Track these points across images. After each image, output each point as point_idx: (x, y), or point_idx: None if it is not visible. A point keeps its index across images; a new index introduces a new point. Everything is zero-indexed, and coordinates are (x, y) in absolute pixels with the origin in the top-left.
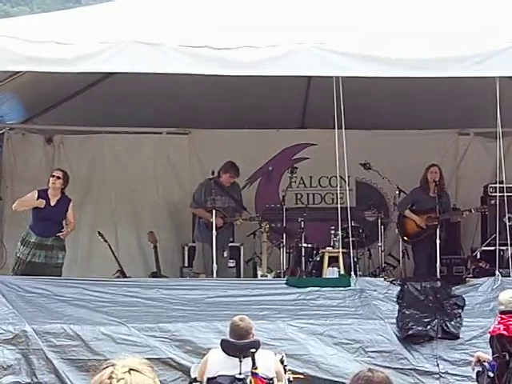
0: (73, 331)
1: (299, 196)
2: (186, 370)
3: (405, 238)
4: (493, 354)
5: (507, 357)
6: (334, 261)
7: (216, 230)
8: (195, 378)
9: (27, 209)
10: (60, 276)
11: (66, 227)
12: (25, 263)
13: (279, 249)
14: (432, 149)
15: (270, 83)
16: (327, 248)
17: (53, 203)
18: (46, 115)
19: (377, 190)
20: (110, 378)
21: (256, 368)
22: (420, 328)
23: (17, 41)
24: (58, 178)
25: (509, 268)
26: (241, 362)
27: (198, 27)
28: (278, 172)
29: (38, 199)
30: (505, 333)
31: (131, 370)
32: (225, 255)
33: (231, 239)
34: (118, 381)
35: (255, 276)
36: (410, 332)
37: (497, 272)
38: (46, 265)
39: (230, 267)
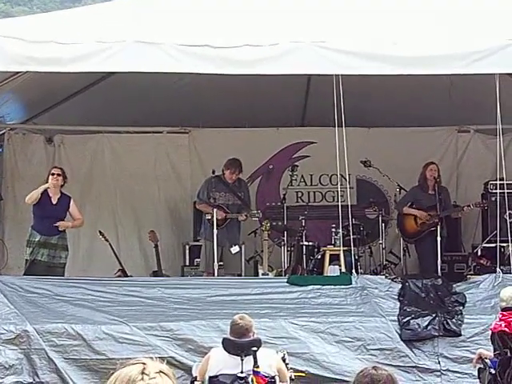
0: (74, 331)
1: (300, 194)
2: (187, 369)
3: (405, 237)
4: (494, 351)
5: (509, 353)
6: (335, 259)
7: (219, 225)
8: (196, 377)
9: (34, 202)
10: (62, 276)
11: (73, 222)
12: (29, 262)
13: (280, 247)
14: (432, 146)
15: (270, 82)
16: (328, 246)
17: (54, 201)
18: (47, 115)
19: (377, 188)
20: (142, 373)
21: (258, 366)
22: (420, 329)
23: (16, 41)
24: (59, 175)
25: (510, 265)
26: (242, 360)
27: (197, 26)
28: (279, 170)
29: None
30: (506, 329)
31: (162, 372)
32: (232, 251)
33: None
34: (151, 379)
35: (256, 274)
36: (412, 333)
37: (498, 269)
38: (49, 264)
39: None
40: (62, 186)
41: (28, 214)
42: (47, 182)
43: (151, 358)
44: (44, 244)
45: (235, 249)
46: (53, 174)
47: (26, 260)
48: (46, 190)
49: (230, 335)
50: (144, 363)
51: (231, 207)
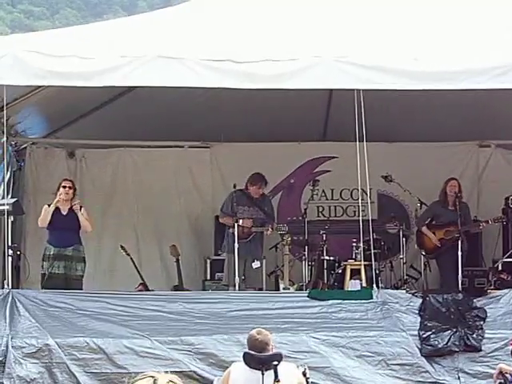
0: (96, 344)
1: (321, 209)
2: (208, 383)
3: (424, 252)
4: None
5: None
6: (356, 273)
7: (244, 239)
8: None
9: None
10: (80, 289)
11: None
12: (46, 276)
13: (301, 261)
14: (453, 161)
15: (292, 96)
16: (349, 260)
17: (64, 213)
18: (69, 129)
19: (398, 203)
20: None
21: (278, 381)
22: (441, 345)
23: (39, 55)
24: (70, 188)
25: None
26: (263, 374)
27: (219, 41)
28: (300, 185)
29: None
30: None
31: (172, 381)
32: (253, 266)
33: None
34: None
35: (277, 289)
36: (432, 349)
37: None
38: (65, 275)
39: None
40: (72, 198)
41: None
42: (57, 194)
43: (158, 371)
44: (59, 256)
45: (256, 264)
46: (64, 187)
47: (42, 274)
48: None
49: (249, 350)
50: (153, 376)
51: (255, 221)
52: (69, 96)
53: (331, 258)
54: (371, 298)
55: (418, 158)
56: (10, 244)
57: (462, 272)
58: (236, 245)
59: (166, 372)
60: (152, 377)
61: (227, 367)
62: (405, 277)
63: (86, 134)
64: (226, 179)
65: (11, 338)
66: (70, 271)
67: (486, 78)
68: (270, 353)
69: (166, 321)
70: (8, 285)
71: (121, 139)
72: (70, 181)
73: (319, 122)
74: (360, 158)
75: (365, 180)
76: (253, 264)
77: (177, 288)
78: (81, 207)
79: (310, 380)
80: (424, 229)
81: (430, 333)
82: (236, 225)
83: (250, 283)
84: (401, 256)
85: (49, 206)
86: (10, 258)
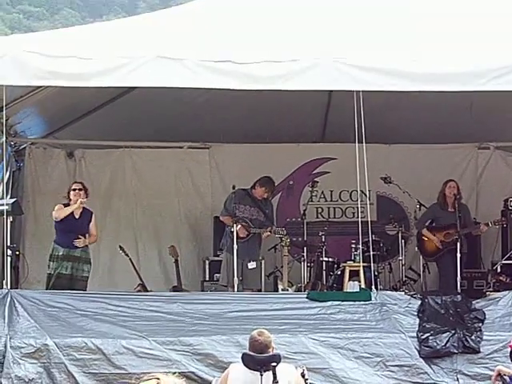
0: (94, 345)
1: (320, 210)
2: None
3: (425, 256)
4: None
5: None
6: (354, 275)
7: (242, 239)
8: None
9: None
10: (85, 289)
11: (87, 238)
12: (53, 276)
13: (300, 263)
14: (452, 163)
15: (291, 97)
16: (348, 262)
17: (77, 216)
18: (68, 130)
19: (397, 204)
20: None
21: (277, 382)
22: (440, 347)
23: (38, 56)
24: (80, 189)
25: None
26: (262, 375)
27: (219, 42)
28: (299, 186)
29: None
30: None
31: None
32: (249, 267)
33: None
34: None
35: (276, 290)
36: (431, 350)
37: None
38: (72, 276)
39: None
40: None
41: (48, 228)
42: (67, 197)
43: (165, 372)
44: (67, 257)
45: (252, 264)
46: (74, 190)
47: (49, 274)
48: (68, 204)
49: (249, 351)
50: (158, 378)
51: (254, 222)
52: (68, 96)
53: (330, 260)
54: (370, 300)
55: (417, 159)
56: (8, 244)
57: (461, 274)
58: (235, 246)
59: (175, 373)
60: (157, 379)
61: (225, 368)
62: (403, 278)
63: (85, 135)
64: (225, 180)
65: (10, 338)
66: (77, 272)
67: (486, 80)
68: (269, 354)
69: (165, 321)
70: (7, 285)
71: (120, 140)
72: (80, 183)
73: (318, 123)
74: (359, 160)
75: (364, 181)
76: (249, 264)
77: (175, 289)
78: (91, 213)
79: (308, 381)
80: (425, 231)
81: (428, 334)
82: (235, 226)
83: (246, 284)
84: (400, 257)
85: (64, 205)
86: (8, 258)
